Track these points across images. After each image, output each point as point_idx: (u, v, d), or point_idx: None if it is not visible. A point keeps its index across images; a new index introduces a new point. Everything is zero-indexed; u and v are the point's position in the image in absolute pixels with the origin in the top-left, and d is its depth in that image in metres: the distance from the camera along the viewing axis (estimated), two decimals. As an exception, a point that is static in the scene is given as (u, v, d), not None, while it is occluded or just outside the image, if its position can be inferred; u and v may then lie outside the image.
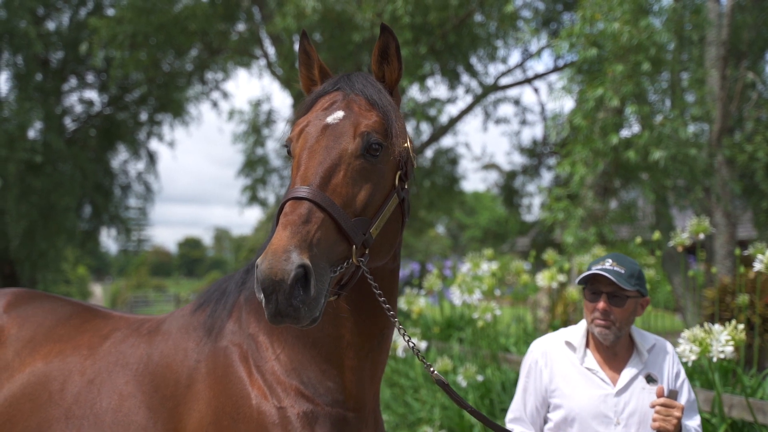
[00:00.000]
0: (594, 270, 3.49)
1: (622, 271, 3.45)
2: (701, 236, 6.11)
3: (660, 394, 3.28)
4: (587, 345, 3.64)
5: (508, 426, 3.71)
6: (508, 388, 6.98)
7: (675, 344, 4.06)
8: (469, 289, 7.22)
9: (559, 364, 3.62)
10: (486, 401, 6.99)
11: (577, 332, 3.68)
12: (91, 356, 3.30)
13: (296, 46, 16.76)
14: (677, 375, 3.60)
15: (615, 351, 3.57)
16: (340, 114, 2.69)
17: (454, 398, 2.99)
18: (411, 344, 2.95)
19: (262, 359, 2.90)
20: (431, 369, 2.94)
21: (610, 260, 3.51)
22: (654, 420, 3.25)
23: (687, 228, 6.22)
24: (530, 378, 3.68)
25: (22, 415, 3.26)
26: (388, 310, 2.76)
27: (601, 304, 3.46)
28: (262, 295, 2.27)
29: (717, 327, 4.08)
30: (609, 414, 3.44)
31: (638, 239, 7.34)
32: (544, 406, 3.63)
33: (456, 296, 7.34)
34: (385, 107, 2.76)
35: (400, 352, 7.58)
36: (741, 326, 4.29)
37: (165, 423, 2.96)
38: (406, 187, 2.84)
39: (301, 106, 2.88)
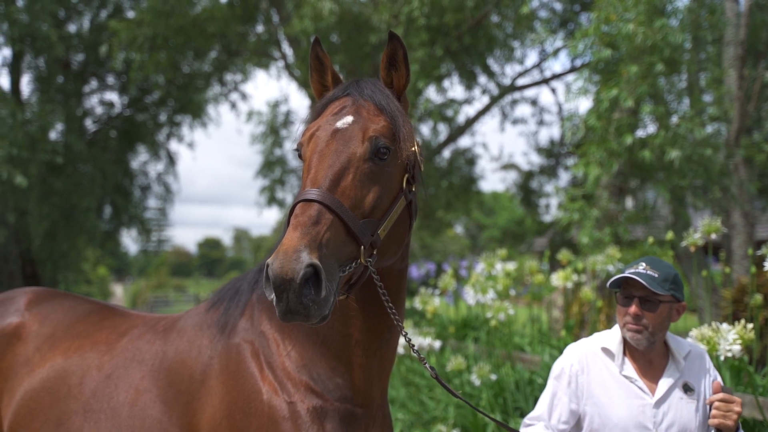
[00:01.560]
0: (626, 273, 3.40)
1: (656, 275, 3.35)
2: (713, 236, 6.13)
3: (717, 390, 3.23)
4: (624, 352, 3.51)
5: (526, 422, 3.63)
6: (522, 387, 7.02)
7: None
8: (482, 288, 7.27)
9: (596, 371, 3.50)
10: (500, 400, 7.04)
11: (613, 338, 3.56)
12: (109, 352, 3.41)
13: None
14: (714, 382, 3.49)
15: (650, 358, 3.47)
16: (349, 119, 2.78)
17: (450, 391, 3.08)
18: (409, 340, 3.02)
19: (273, 356, 2.99)
20: (425, 362, 3.04)
21: (644, 264, 3.41)
22: (713, 417, 3.20)
23: (699, 228, 6.24)
24: (561, 382, 3.56)
25: (42, 408, 3.38)
26: (390, 309, 2.84)
27: (632, 309, 3.37)
28: (273, 294, 2.33)
29: (725, 326, 4.11)
30: (648, 425, 3.32)
31: (651, 239, 7.35)
32: (574, 414, 3.51)
33: (470, 296, 7.40)
34: (393, 112, 2.85)
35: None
36: (750, 325, 4.30)
37: (179, 417, 3.06)
38: (413, 189, 2.91)
39: (312, 111, 2.98)
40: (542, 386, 7.03)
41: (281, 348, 3.01)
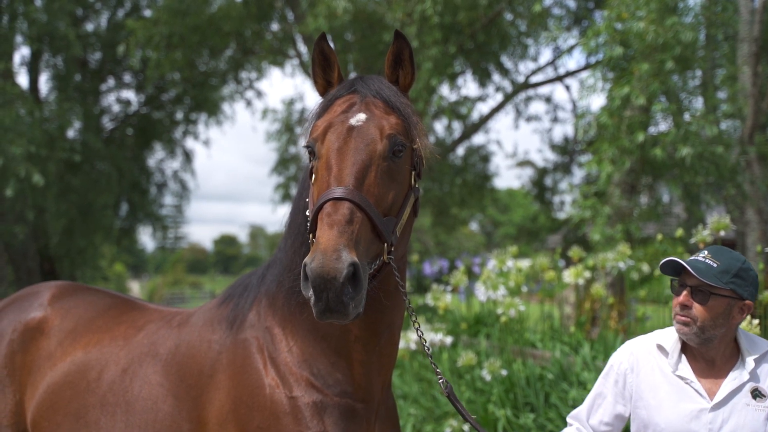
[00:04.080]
0: (674, 258, 3.11)
1: (715, 265, 3.01)
2: (722, 233, 6.17)
3: None
4: (683, 350, 3.16)
5: (568, 420, 3.42)
6: (533, 382, 7.09)
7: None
8: (493, 285, 7.34)
9: (647, 370, 3.18)
10: (510, 395, 7.11)
11: (671, 334, 3.21)
12: (126, 347, 3.48)
13: (332, 46, 16.79)
14: None
15: (712, 357, 3.10)
16: (362, 116, 2.76)
17: (454, 403, 3.06)
18: (427, 348, 3.07)
19: (277, 351, 3.03)
20: (441, 378, 3.04)
21: (706, 252, 3.09)
22: None
23: (708, 225, 6.29)
24: (608, 380, 3.30)
25: (63, 402, 3.46)
26: (411, 310, 2.93)
27: (680, 298, 3.06)
28: (311, 293, 2.33)
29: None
30: None
31: (659, 236, 7.39)
32: (619, 417, 3.25)
33: (481, 292, 7.47)
34: (405, 110, 2.85)
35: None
36: (756, 321, 4.36)
37: (189, 411, 3.12)
38: (418, 185, 2.93)
39: (318, 108, 2.97)
40: (552, 382, 7.11)
41: (284, 343, 3.03)
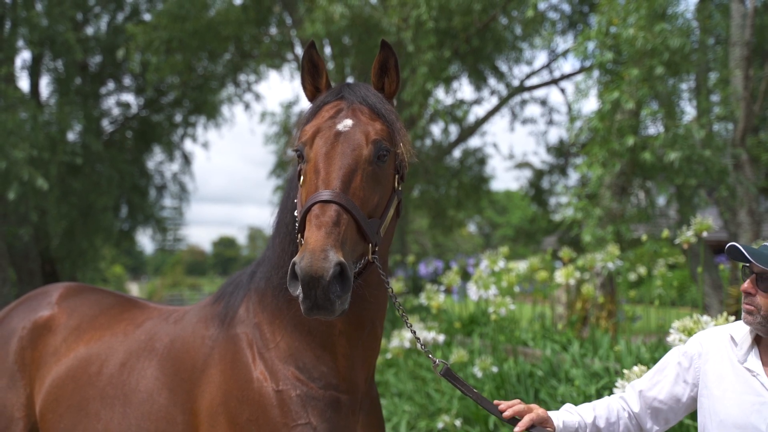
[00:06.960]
0: (734, 244, 2.94)
1: None
2: (705, 234, 6.35)
3: None
4: (757, 342, 3.00)
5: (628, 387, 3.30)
6: (523, 379, 7.27)
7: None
8: (485, 284, 7.52)
9: (716, 359, 3.04)
10: (501, 392, 7.29)
11: (744, 325, 3.05)
12: (125, 342, 3.67)
13: (327, 50, 17.12)
14: None
15: None
16: (349, 122, 2.91)
17: (459, 386, 3.15)
18: (417, 339, 3.23)
19: (265, 346, 3.18)
20: (435, 363, 3.18)
21: None
22: None
23: (692, 226, 6.46)
24: (673, 357, 3.18)
25: (66, 395, 3.65)
26: (398, 305, 3.06)
27: (744, 285, 2.93)
28: (300, 290, 2.46)
29: (705, 318, 4.33)
30: (761, 427, 2.82)
31: (644, 236, 7.56)
32: (675, 398, 3.12)
33: (473, 292, 7.65)
34: (389, 116, 3.00)
35: (420, 346, 7.90)
36: (732, 318, 4.52)
37: (183, 403, 3.28)
38: (401, 188, 3.08)
39: (307, 113, 3.11)
40: (542, 379, 7.29)
41: (271, 338, 3.18)
